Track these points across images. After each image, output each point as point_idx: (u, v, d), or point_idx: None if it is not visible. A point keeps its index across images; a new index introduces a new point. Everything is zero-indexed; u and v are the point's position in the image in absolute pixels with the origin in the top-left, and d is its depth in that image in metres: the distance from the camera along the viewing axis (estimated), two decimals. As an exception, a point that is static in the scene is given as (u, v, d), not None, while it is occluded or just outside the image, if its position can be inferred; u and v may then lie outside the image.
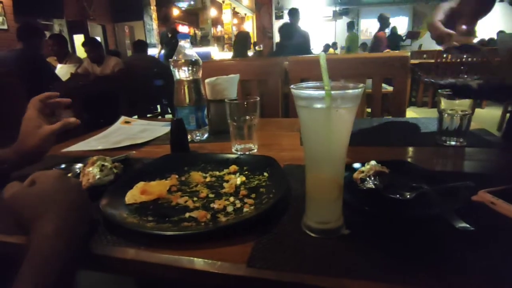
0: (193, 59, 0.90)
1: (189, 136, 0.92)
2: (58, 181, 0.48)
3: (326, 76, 0.36)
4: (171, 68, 0.91)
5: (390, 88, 1.86)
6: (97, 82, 3.03)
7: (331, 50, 7.91)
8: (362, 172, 0.56)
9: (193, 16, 10.75)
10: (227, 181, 0.61)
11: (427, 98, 5.40)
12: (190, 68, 0.89)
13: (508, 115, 3.70)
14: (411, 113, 5.51)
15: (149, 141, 0.96)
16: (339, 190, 0.42)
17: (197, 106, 0.92)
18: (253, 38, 7.87)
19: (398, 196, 0.51)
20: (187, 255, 0.43)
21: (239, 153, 0.80)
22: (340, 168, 0.42)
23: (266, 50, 5.86)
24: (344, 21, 11.58)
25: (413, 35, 10.52)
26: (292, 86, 0.38)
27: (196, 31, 10.57)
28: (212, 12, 10.59)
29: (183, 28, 10.71)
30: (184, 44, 0.90)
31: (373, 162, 0.56)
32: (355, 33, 7.72)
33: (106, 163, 0.65)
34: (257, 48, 6.40)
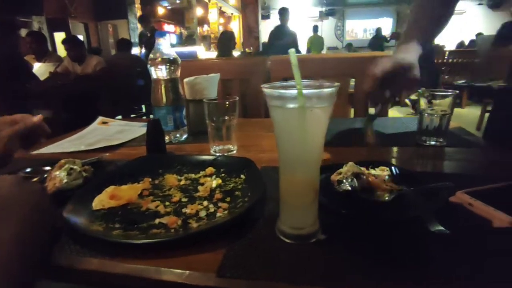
0: (171, 58, 0.87)
1: (166, 137, 0.90)
2: (16, 186, 0.44)
3: (298, 74, 0.34)
4: (148, 67, 0.87)
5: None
6: (78, 82, 2.95)
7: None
8: (340, 173, 0.54)
9: (178, 15, 10.63)
10: (203, 184, 0.58)
11: (414, 97, 5.49)
12: (167, 67, 0.86)
13: (487, 114, 3.81)
14: (394, 113, 5.60)
15: (125, 143, 0.92)
16: (314, 194, 0.41)
17: (175, 106, 0.89)
18: (239, 38, 7.85)
19: (376, 198, 0.50)
20: (154, 265, 0.40)
21: (217, 154, 0.78)
22: (315, 170, 0.40)
23: (252, 50, 5.85)
24: (330, 21, 11.71)
25: (397, 36, 10.71)
26: (263, 85, 0.36)
27: (182, 30, 10.45)
28: (198, 11, 10.49)
29: (168, 27, 10.57)
30: (162, 42, 0.87)
31: (351, 163, 0.55)
32: (316, 36, 7.82)
33: (75, 166, 0.61)
34: (246, 50, 6.33)
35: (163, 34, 0.88)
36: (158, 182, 0.61)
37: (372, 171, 0.56)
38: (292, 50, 0.34)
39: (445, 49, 5.73)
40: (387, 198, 0.50)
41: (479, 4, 9.74)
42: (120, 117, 3.29)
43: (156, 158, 0.71)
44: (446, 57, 5.37)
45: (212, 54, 8.42)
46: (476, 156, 0.75)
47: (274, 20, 9.45)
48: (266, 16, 10.86)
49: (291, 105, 0.35)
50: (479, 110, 4.12)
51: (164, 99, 0.88)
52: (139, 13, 8.54)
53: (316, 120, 0.36)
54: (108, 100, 3.00)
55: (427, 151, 0.78)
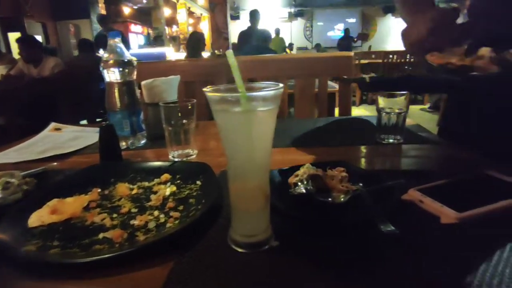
0: (126, 60, 0.83)
1: (123, 143, 0.85)
2: None
3: (238, 75, 0.33)
4: (101, 69, 0.82)
5: (337, 87, 1.91)
6: (33, 85, 2.76)
7: (287, 50, 8.06)
8: (297, 176, 0.54)
9: (146, 15, 10.32)
10: (156, 193, 0.55)
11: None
12: (122, 69, 0.82)
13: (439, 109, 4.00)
14: (362, 111, 5.79)
15: (78, 150, 0.87)
16: (264, 199, 0.39)
17: (131, 110, 0.85)
18: (209, 38, 7.76)
19: (330, 200, 0.49)
20: (96, 284, 0.37)
21: (176, 159, 0.75)
22: (264, 175, 0.39)
23: (222, 52, 5.80)
24: (299, 22, 11.90)
25: (363, 37, 11.11)
26: (204, 88, 0.35)
27: (150, 31, 10.17)
28: (166, 12, 10.25)
29: (135, 28, 10.23)
30: (115, 43, 0.83)
31: (307, 165, 0.55)
32: (277, 38, 7.99)
33: (12, 180, 0.56)
34: (216, 52, 6.25)
35: (116, 34, 0.83)
36: (108, 192, 0.57)
37: (329, 172, 0.55)
38: (230, 52, 0.33)
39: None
40: (342, 199, 0.50)
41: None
42: (85, 121, 3.14)
43: (108, 166, 0.67)
44: (408, 57, 5.63)
45: (182, 55, 8.27)
46: (430, 153, 0.78)
47: (244, 21, 9.46)
48: (235, 17, 10.83)
49: (234, 109, 0.34)
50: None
51: (119, 103, 0.83)
52: (103, 12, 8.20)
53: (262, 123, 0.35)
54: (68, 105, 2.84)
55: (385, 149, 0.80)
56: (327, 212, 0.48)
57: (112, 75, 0.82)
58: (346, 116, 1.39)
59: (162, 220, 0.46)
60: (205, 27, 11.11)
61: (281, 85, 0.35)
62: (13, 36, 6.23)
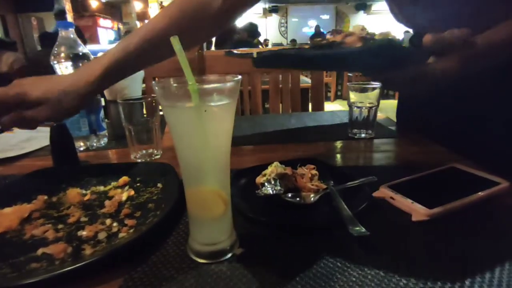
0: (80, 53, 0.76)
1: (81, 144, 0.79)
2: None
3: (186, 64, 0.28)
4: (51, 64, 0.75)
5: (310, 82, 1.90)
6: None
7: (260, 47, 8.03)
8: (264, 175, 0.50)
9: (115, 9, 9.92)
10: (112, 198, 0.50)
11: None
12: (75, 63, 0.75)
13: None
14: (337, 106, 5.88)
15: (29, 153, 0.79)
16: (224, 204, 0.36)
17: (89, 108, 0.78)
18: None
19: (299, 200, 0.47)
20: (32, 309, 0.32)
21: (138, 160, 0.70)
22: (223, 177, 0.35)
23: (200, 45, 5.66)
24: (274, 18, 11.89)
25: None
26: (153, 82, 0.30)
27: (120, 26, 9.79)
28: (137, 6, 9.90)
29: (105, 22, 9.80)
30: (67, 35, 0.75)
31: (275, 163, 0.51)
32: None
33: None
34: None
35: (68, 25, 0.76)
36: (56, 199, 0.51)
37: (299, 170, 0.53)
38: (175, 37, 0.28)
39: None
40: (312, 199, 0.47)
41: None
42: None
43: (58, 170, 0.61)
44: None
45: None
46: (400, 147, 0.78)
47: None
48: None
49: (185, 104, 0.30)
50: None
51: (74, 101, 0.76)
52: (68, 5, 7.78)
53: (217, 120, 0.31)
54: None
55: (357, 144, 0.79)
56: (296, 214, 0.45)
57: (64, 70, 0.74)
58: (319, 111, 1.38)
59: (114, 230, 0.42)
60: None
61: (238, 77, 0.31)
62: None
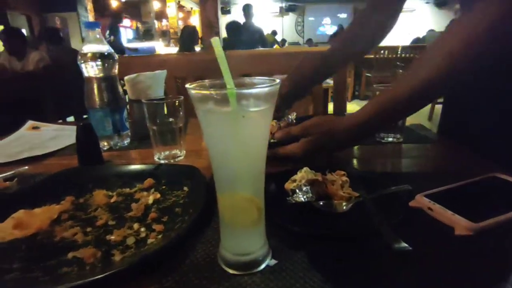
0: (105, 53, 0.76)
1: (105, 143, 0.79)
2: None
3: (226, 68, 0.27)
4: (78, 63, 0.76)
5: (331, 83, 1.86)
6: (16, 80, 2.64)
7: (276, 46, 8.00)
8: (294, 181, 0.49)
9: (135, 8, 10.08)
10: (138, 200, 0.50)
11: (370, 92, 5.70)
12: (101, 63, 0.75)
13: (437, 107, 3.97)
14: (354, 107, 5.78)
15: (55, 152, 0.80)
16: (258, 212, 0.34)
17: (113, 107, 0.78)
18: (200, 33, 7.62)
19: (333, 208, 0.45)
20: (62, 315, 0.31)
21: (162, 161, 0.69)
22: (258, 184, 0.33)
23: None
24: (291, 17, 11.81)
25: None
26: (187, 85, 0.29)
27: (139, 25, 9.95)
28: (155, 5, 10.04)
29: (124, 22, 9.99)
30: (94, 35, 0.76)
31: (305, 169, 0.50)
32: (269, 35, 8.02)
33: (-27, 188, 0.50)
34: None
35: (95, 25, 0.76)
36: (83, 201, 0.51)
37: (329, 176, 0.51)
38: (215, 39, 0.27)
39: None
40: (344, 207, 0.45)
41: (427, 3, 10.40)
42: (72, 118, 3.02)
43: (84, 170, 0.61)
44: (399, 52, 5.62)
45: (172, 49, 8.12)
46: (432, 153, 0.74)
47: (234, 15, 9.33)
48: (226, 11, 10.67)
49: (222, 109, 0.28)
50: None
51: (99, 101, 0.76)
52: (89, 6, 7.97)
53: (255, 126, 0.30)
54: (54, 100, 2.72)
55: (385, 149, 0.76)
56: (329, 223, 0.43)
57: (90, 70, 0.75)
58: (341, 112, 1.34)
59: (142, 235, 0.41)
60: (195, 22, 10.94)
61: (277, 80, 0.30)
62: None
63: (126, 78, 0.86)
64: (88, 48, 0.75)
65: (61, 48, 3.64)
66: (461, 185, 0.50)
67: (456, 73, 0.50)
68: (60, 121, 2.73)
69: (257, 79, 0.32)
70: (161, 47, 8.17)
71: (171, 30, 10.37)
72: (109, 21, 6.13)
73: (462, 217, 0.41)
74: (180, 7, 11.12)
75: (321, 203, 0.45)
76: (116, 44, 5.16)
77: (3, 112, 2.36)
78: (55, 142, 0.89)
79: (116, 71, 0.80)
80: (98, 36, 0.76)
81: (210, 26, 6.21)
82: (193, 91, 0.28)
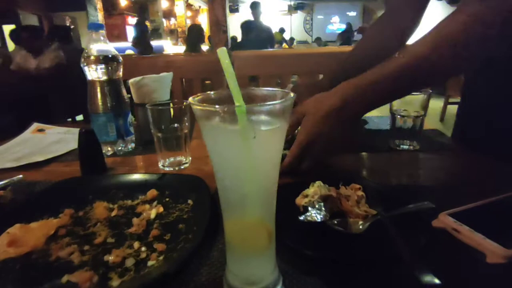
0: (109, 55, 0.74)
1: (109, 149, 0.77)
2: None
3: (234, 82, 0.24)
4: (82, 66, 0.73)
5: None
6: (27, 80, 2.65)
7: (284, 45, 7.93)
8: (306, 196, 0.45)
9: (143, 7, 10.11)
10: (139, 215, 0.47)
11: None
12: (105, 66, 0.73)
13: (450, 107, 3.86)
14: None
15: (58, 157, 0.78)
16: (269, 236, 0.31)
17: (117, 112, 0.76)
18: (207, 32, 7.61)
19: (348, 227, 0.41)
20: None
21: (166, 168, 0.66)
22: (269, 208, 0.30)
23: (220, 46, 5.66)
24: (299, 15, 11.71)
25: (363, 30, 10.95)
26: (191, 98, 0.26)
27: (147, 24, 9.97)
28: (164, 4, 10.04)
29: (133, 20, 10.03)
30: (98, 36, 0.73)
31: (318, 183, 0.46)
32: (277, 34, 7.97)
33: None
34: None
35: (98, 26, 0.74)
36: (83, 214, 0.48)
37: (343, 191, 0.47)
38: (222, 50, 0.24)
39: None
40: (361, 226, 0.41)
41: (438, 0, 10.20)
42: (81, 117, 3.02)
43: (84, 181, 0.58)
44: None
45: (180, 48, 8.12)
46: (452, 162, 0.69)
47: (243, 14, 9.27)
48: (234, 10, 10.63)
49: (229, 127, 0.25)
50: (440, 101, 4.24)
51: (104, 105, 0.74)
52: (99, 5, 8.02)
53: (267, 145, 0.26)
54: (63, 100, 2.73)
55: (401, 158, 0.71)
56: (345, 246, 0.39)
57: (93, 73, 0.72)
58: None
59: (143, 255, 0.38)
60: (203, 20, 10.94)
61: (291, 94, 0.26)
62: (7, 28, 6.06)
63: (130, 81, 0.83)
64: (92, 50, 0.72)
65: (72, 47, 3.65)
66: (490, 202, 0.46)
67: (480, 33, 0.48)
68: (70, 119, 2.72)
69: (267, 90, 0.28)
70: (169, 46, 8.17)
71: (179, 29, 10.38)
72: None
73: (494, 241, 0.37)
74: (188, 6, 11.12)
75: (336, 222, 0.42)
76: (144, 41, 5.15)
77: (12, 112, 2.37)
78: (58, 146, 0.86)
79: (121, 73, 0.77)
80: (102, 37, 0.74)
81: (218, 25, 6.19)
82: (196, 107, 0.25)
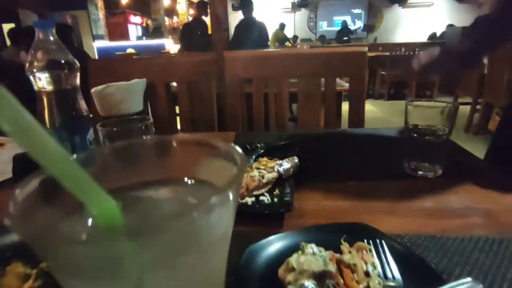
0: (62, 60, 0.60)
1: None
2: None
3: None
4: (27, 73, 0.60)
5: (346, 86, 1.67)
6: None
7: (287, 43, 7.77)
8: (293, 268, 0.31)
9: (145, 5, 10.01)
10: None
11: (383, 90, 5.44)
12: (54, 73, 0.59)
13: (476, 115, 3.07)
14: (368, 106, 5.53)
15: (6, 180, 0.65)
16: None
17: (72, 128, 0.62)
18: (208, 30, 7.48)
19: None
20: None
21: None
22: None
23: (220, 44, 5.51)
24: (303, 13, 11.53)
25: (368, 28, 10.76)
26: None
27: (148, 22, 9.88)
28: (165, 1, 9.93)
29: (135, 19, 9.93)
30: (45, 37, 0.60)
31: (310, 249, 0.32)
32: (279, 31, 7.75)
33: None
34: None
35: (47, 25, 0.60)
36: (-14, 284, 0.35)
37: (347, 258, 0.33)
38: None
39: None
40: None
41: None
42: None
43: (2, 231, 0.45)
44: (417, 50, 5.33)
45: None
46: (491, 197, 0.53)
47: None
48: (237, 7, 10.47)
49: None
50: (465, 107, 3.87)
51: (52, 120, 0.61)
52: (100, 3, 7.93)
53: None
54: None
55: (419, 189, 0.56)
56: None
57: (40, 82, 0.59)
58: (357, 122, 1.15)
59: None
60: (206, 19, 10.80)
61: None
62: (6, 27, 5.98)
63: (92, 90, 0.70)
64: (38, 55, 0.59)
65: (74, 48, 3.54)
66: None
67: None
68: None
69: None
70: (171, 45, 8.05)
71: (181, 27, 10.26)
72: None
73: None
74: (191, 3, 10.99)
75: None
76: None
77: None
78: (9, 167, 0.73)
79: (78, 81, 0.64)
80: (51, 38, 0.60)
81: (219, 22, 6.07)
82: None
